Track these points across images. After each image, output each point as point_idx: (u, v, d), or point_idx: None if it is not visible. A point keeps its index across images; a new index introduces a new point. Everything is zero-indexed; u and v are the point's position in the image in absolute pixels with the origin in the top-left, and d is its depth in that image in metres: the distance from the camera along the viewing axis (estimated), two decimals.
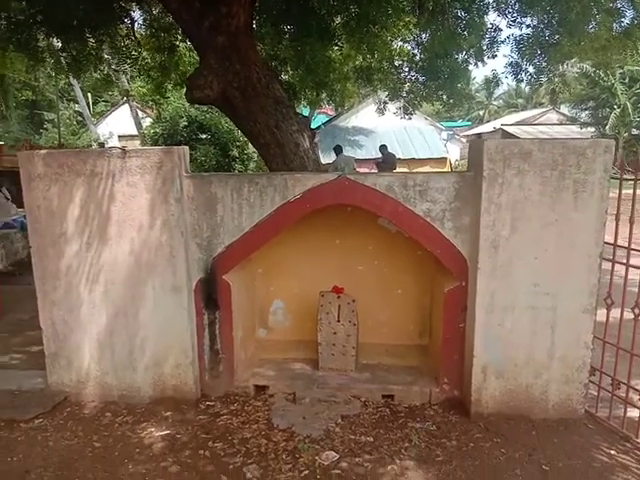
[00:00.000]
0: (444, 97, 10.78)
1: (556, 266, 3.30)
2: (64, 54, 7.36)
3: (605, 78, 22.72)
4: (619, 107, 22.94)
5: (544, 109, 35.42)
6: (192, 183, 3.57)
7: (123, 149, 3.45)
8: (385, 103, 11.79)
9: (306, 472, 3.01)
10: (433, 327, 4.32)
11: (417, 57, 9.52)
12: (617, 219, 3.24)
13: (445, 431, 3.42)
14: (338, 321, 3.96)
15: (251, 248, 3.75)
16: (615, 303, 3.34)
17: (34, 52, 7.00)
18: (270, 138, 5.54)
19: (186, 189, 3.56)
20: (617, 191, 3.19)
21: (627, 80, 23.45)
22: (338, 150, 12.68)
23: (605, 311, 3.39)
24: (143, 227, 3.54)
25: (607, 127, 23.06)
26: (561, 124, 29.65)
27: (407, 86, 10.36)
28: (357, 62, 9.91)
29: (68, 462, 3.15)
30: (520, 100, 46.97)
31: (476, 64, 8.87)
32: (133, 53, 7.74)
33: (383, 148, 13.63)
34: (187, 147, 3.68)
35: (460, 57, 9.08)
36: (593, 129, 24.70)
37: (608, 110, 23.55)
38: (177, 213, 3.51)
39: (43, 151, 3.60)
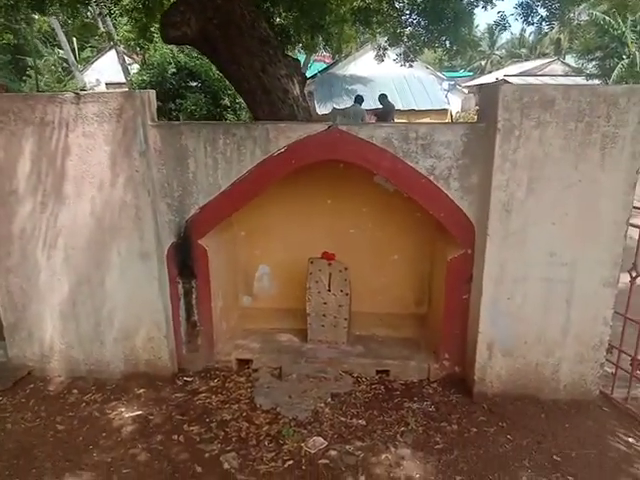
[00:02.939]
0: (447, 43, 10.09)
1: (576, 233, 2.89)
2: None
3: (616, 26, 21.59)
4: (628, 57, 21.93)
5: (548, 59, 34.03)
6: (159, 134, 3.09)
7: (77, 93, 2.95)
8: (385, 49, 11.10)
9: (290, 462, 2.69)
10: (432, 296, 3.95)
11: None
12: None
13: (445, 413, 3.10)
14: (329, 290, 3.58)
15: (229, 209, 3.31)
16: None
17: None
18: (255, 83, 5.00)
19: (152, 140, 3.09)
20: None
21: (638, 28, 22.33)
22: (359, 100, 12.10)
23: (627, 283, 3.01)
24: (104, 185, 3.08)
25: (612, 78, 22.14)
26: (566, 75, 28.55)
27: (408, 30, 9.69)
28: (355, 3, 9.15)
29: (26, 448, 2.82)
30: (524, 50, 45.32)
31: (484, 6, 8.18)
32: None
33: (383, 98, 12.88)
34: (153, 91, 3.17)
35: None
36: (599, 81, 23.75)
37: (616, 60, 22.53)
38: (142, 169, 3.05)
39: None
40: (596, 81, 23.99)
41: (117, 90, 2.88)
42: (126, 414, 3.12)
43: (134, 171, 3.05)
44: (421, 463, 2.68)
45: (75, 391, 3.35)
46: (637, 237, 2.89)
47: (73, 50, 24.47)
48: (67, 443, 2.87)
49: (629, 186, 2.79)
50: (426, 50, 11.92)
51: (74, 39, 25.26)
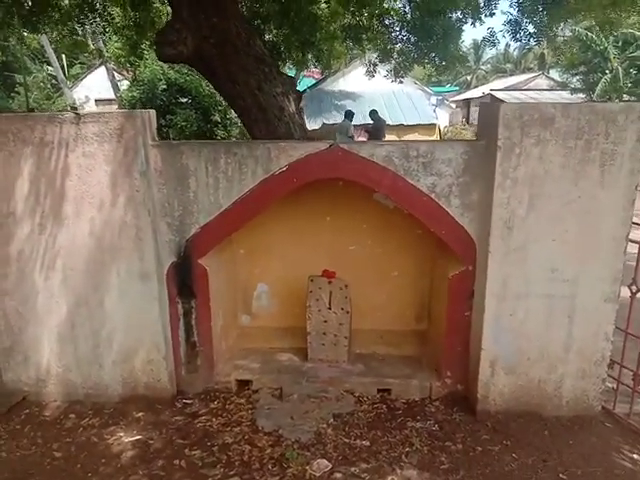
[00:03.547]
0: (436, 59, 10.23)
1: (577, 250, 2.91)
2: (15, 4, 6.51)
3: (598, 41, 22.07)
4: (611, 72, 22.40)
5: (533, 74, 34.70)
6: (160, 153, 3.08)
7: (77, 113, 2.93)
8: (375, 65, 11.22)
9: None
10: (432, 312, 3.95)
11: (408, 15, 8.93)
12: None
13: (449, 432, 3.07)
14: (329, 308, 3.56)
15: (230, 228, 3.29)
16: None
17: None
18: (251, 101, 5.01)
19: (153, 160, 3.07)
20: None
21: (620, 44, 22.84)
22: (349, 115, 12.31)
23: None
24: (104, 205, 3.05)
25: (596, 93, 22.57)
26: (551, 89, 29.06)
27: (398, 47, 9.81)
28: (345, 20, 9.25)
29: (22, 478, 2.74)
30: (509, 65, 46.17)
31: (473, 23, 8.32)
32: (97, 6, 6.97)
33: (373, 113, 12.99)
34: (153, 111, 3.17)
35: (454, 16, 8.54)
36: (584, 95, 24.20)
37: (600, 75, 23.00)
38: (143, 188, 3.03)
39: None
40: (580, 95, 24.47)
41: (118, 110, 2.87)
42: (125, 439, 3.05)
43: (135, 191, 3.02)
44: None
45: (72, 416, 3.28)
46: (636, 252, 2.93)
47: (62, 67, 24.39)
48: (65, 471, 2.80)
49: (628, 202, 2.82)
50: (415, 66, 12.08)
51: (63, 56, 25.22)
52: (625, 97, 23.40)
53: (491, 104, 2.92)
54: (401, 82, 12.02)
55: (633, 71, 23.27)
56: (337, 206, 3.83)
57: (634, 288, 2.98)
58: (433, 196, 3.06)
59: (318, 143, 3.09)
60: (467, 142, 3.04)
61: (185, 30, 4.59)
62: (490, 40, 8.37)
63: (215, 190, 3.15)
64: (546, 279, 2.96)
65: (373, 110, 13.20)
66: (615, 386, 3.21)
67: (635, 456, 2.85)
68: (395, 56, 10.17)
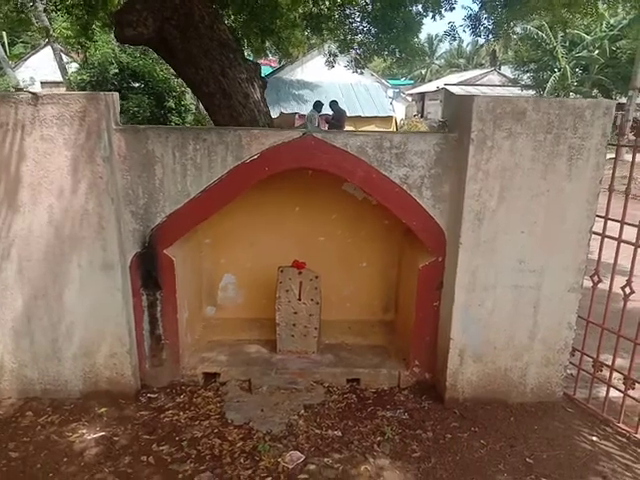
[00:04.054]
0: (397, 52, 10.28)
1: (543, 241, 2.99)
2: None
3: (548, 40, 22.84)
4: (559, 70, 23.25)
5: (486, 70, 35.60)
6: (124, 138, 2.93)
7: (34, 93, 2.74)
8: (335, 55, 11.18)
9: (269, 479, 2.61)
10: (400, 303, 3.98)
11: (369, 7, 8.94)
12: (610, 190, 2.96)
13: (419, 420, 3.11)
14: (299, 299, 3.52)
15: (198, 218, 3.19)
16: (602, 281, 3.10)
17: None
18: (215, 87, 4.87)
19: (116, 145, 2.92)
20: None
21: (567, 44, 23.73)
22: (317, 106, 12.41)
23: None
24: (64, 192, 2.88)
25: (546, 90, 23.40)
26: (503, 85, 29.93)
27: (358, 38, 9.80)
28: (306, 8, 9.15)
29: None
30: (462, 60, 47.18)
31: (434, 16, 8.40)
32: None
33: (334, 104, 12.95)
34: (117, 93, 3.01)
35: (415, 9, 8.61)
36: (534, 92, 25.03)
37: (549, 73, 23.84)
38: (106, 175, 2.87)
39: None
40: (531, 92, 25.30)
41: (79, 92, 2.70)
42: (88, 436, 2.92)
43: (97, 177, 2.87)
44: (401, 473, 2.68)
45: (29, 413, 3.11)
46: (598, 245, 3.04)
47: (3, 45, 23.00)
48: (23, 472, 2.64)
49: (593, 195, 2.92)
50: (374, 58, 12.12)
51: (4, 33, 23.79)
52: (572, 95, 24.38)
53: (464, 97, 2.93)
54: (361, 73, 12.04)
55: (579, 70, 24.29)
56: (306, 196, 3.78)
57: (596, 279, 3.09)
58: (405, 187, 3.07)
59: (291, 132, 3.03)
60: (440, 134, 3.05)
61: (146, 10, 4.39)
62: (450, 34, 8.49)
63: (183, 177, 3.04)
64: (514, 270, 3.03)
65: (334, 101, 13.18)
66: (575, 373, 3.34)
67: (594, 438, 2.98)
68: (355, 47, 10.17)
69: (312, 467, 2.70)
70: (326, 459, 2.76)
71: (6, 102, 2.73)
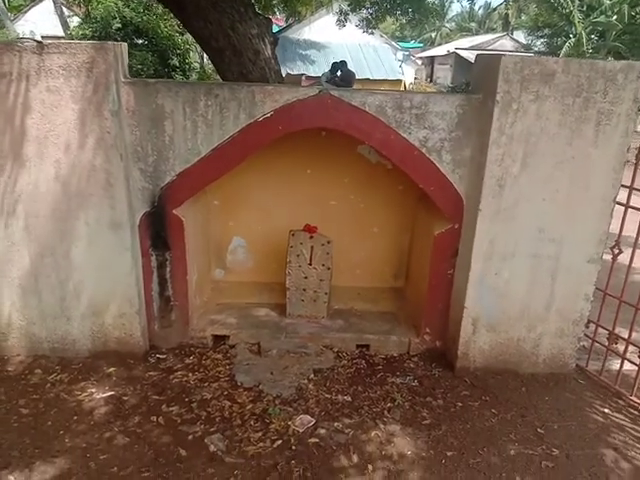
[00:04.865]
0: (409, 11, 9.95)
1: (565, 210, 2.89)
2: None
3: (565, 4, 22.05)
4: (575, 36, 22.54)
5: (498, 34, 34.55)
6: (133, 92, 2.80)
7: (39, 42, 2.61)
8: (346, 14, 10.83)
9: (279, 442, 2.60)
10: (411, 270, 3.92)
11: None
12: (638, 159, 2.83)
13: (429, 387, 3.10)
14: (310, 264, 3.46)
15: (209, 177, 3.09)
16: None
17: None
18: (224, 42, 4.68)
19: (125, 99, 2.80)
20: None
21: (585, 8, 22.91)
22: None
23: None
24: (71, 147, 2.78)
25: (560, 57, 22.75)
26: (515, 51, 29.09)
27: None
28: None
29: None
30: (473, 24, 45.78)
31: None
32: None
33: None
34: (125, 44, 2.87)
35: None
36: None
37: (564, 39, 23.12)
38: (114, 130, 2.77)
39: None
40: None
41: (87, 42, 2.57)
42: (97, 395, 2.91)
43: (105, 132, 2.76)
44: (411, 439, 2.66)
45: (38, 371, 3.10)
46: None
47: None
48: (34, 428, 2.64)
49: (619, 164, 2.81)
50: (387, 18, 11.72)
51: None
52: None
53: (491, 56, 2.79)
54: (371, 33, 11.66)
55: (594, 37, 23.53)
56: (319, 157, 3.66)
57: (616, 250, 3.01)
58: (424, 151, 2.95)
59: (306, 89, 2.90)
60: (463, 95, 2.91)
61: None
62: None
63: (193, 135, 2.92)
64: (533, 239, 2.95)
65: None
66: (588, 344, 3.29)
67: (606, 410, 2.96)
68: (367, 5, 9.83)
69: (322, 431, 2.69)
70: (336, 424, 2.75)
71: (10, 50, 2.60)
